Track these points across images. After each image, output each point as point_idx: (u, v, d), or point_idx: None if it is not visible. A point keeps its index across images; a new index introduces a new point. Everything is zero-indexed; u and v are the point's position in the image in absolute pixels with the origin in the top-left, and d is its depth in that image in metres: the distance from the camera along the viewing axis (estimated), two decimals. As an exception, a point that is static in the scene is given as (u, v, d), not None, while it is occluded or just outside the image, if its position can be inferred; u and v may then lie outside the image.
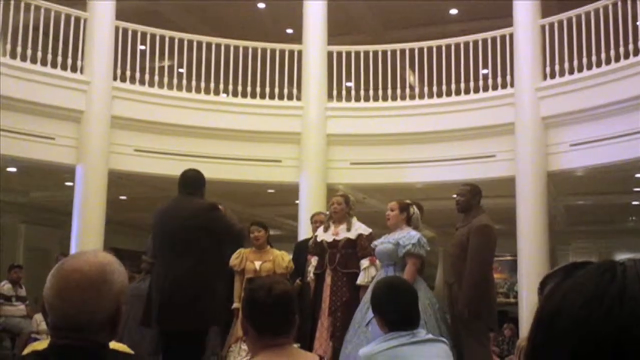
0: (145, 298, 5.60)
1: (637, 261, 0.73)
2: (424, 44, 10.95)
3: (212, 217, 5.30)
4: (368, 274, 6.06)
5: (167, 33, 10.80)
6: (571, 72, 9.65)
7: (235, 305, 6.58)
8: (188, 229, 5.22)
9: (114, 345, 1.86)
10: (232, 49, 10.95)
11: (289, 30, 13.20)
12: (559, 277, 0.77)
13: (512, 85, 10.09)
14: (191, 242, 5.20)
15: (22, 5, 9.63)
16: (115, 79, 10.23)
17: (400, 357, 3.21)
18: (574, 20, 9.69)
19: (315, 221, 7.38)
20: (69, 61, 9.86)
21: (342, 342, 5.68)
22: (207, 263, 5.22)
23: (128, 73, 10.40)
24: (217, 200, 5.77)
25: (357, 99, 11.03)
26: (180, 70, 10.98)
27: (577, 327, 0.69)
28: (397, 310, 3.33)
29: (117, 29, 10.32)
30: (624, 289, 0.69)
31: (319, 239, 6.45)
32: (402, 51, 11.07)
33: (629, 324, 0.67)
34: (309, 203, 10.19)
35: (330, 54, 11.09)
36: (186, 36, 10.92)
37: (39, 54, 9.62)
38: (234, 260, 6.71)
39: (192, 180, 5.57)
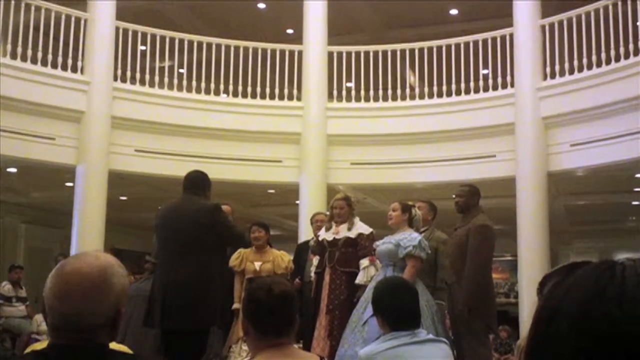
0: (148, 298, 5.61)
1: (636, 260, 0.73)
2: (425, 44, 10.95)
3: (215, 218, 5.31)
4: (367, 273, 6.05)
5: (168, 33, 10.81)
6: (571, 72, 9.65)
7: (236, 305, 6.58)
8: (190, 229, 5.23)
9: (113, 346, 1.86)
10: (232, 49, 10.95)
11: (289, 31, 13.20)
12: (558, 277, 0.77)
13: (512, 85, 10.09)
14: (193, 242, 5.21)
15: (23, 5, 9.64)
16: (115, 79, 10.23)
17: (401, 357, 3.21)
18: (574, 20, 9.70)
19: (316, 221, 7.38)
20: (70, 61, 9.87)
21: (339, 341, 5.67)
22: (208, 263, 5.23)
23: (128, 73, 10.40)
24: (220, 201, 5.77)
25: (358, 99, 11.03)
26: (181, 70, 10.99)
27: (576, 327, 0.69)
28: (398, 310, 3.33)
29: (117, 29, 10.32)
30: (623, 289, 0.69)
31: (320, 238, 6.46)
32: (403, 51, 11.07)
33: (629, 324, 0.67)
34: (309, 203, 10.19)
35: (330, 54, 11.10)
36: (186, 36, 10.93)
37: (40, 54, 9.63)
38: (234, 260, 6.71)
39: (196, 181, 5.58)
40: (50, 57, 9.74)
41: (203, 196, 5.51)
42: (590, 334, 0.68)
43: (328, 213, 6.81)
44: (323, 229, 6.55)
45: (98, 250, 1.93)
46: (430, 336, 3.48)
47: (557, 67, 9.75)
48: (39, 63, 9.63)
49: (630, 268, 0.71)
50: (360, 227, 6.32)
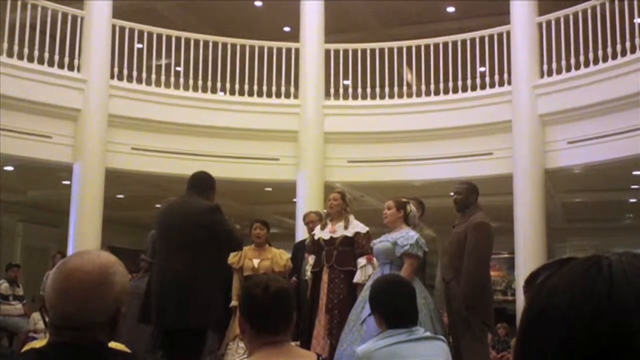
0: (144, 295, 5.62)
1: (622, 255, 0.73)
2: (422, 41, 10.94)
3: (214, 219, 5.32)
4: (365, 272, 6.05)
5: (164, 31, 10.80)
6: (568, 69, 9.66)
7: (233, 303, 6.58)
8: (189, 228, 5.24)
9: (111, 344, 1.86)
10: (229, 47, 10.94)
11: (286, 28, 13.19)
12: (545, 275, 0.77)
13: (509, 83, 10.09)
14: (191, 241, 5.22)
15: (19, 3, 9.62)
16: (112, 77, 10.21)
17: (398, 355, 3.21)
18: (570, 17, 9.70)
19: (308, 222, 7.38)
20: (66, 59, 9.85)
21: (339, 340, 5.68)
22: (205, 262, 5.23)
23: (125, 71, 10.39)
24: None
25: (355, 97, 11.03)
26: (178, 68, 10.97)
27: (566, 324, 0.69)
28: (395, 307, 3.33)
29: (113, 27, 10.30)
30: (611, 285, 0.69)
31: (316, 237, 6.45)
32: (400, 49, 11.06)
33: (618, 319, 0.67)
34: (307, 201, 10.19)
35: (327, 52, 11.09)
36: (183, 34, 10.91)
37: (36, 52, 9.61)
38: (232, 258, 6.72)
39: (200, 181, 5.60)
40: (46, 55, 9.72)
41: (205, 197, 5.52)
42: (580, 331, 0.68)
43: (324, 212, 6.82)
44: (318, 228, 6.55)
45: (100, 250, 1.94)
46: (428, 334, 3.48)
47: (554, 65, 9.75)
48: (35, 61, 9.61)
49: (616, 263, 0.72)
50: (357, 226, 6.32)
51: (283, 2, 12.09)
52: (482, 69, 10.55)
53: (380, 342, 3.25)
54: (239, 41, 11.04)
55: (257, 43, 11.13)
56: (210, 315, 5.30)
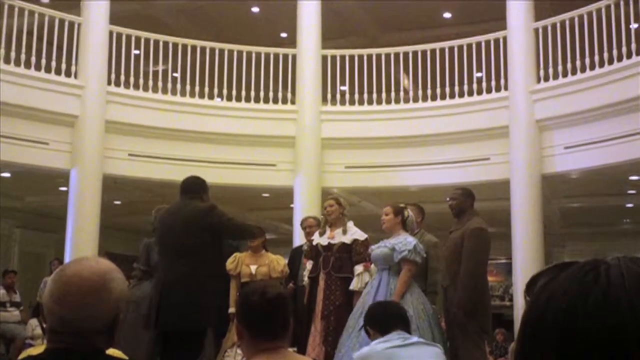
0: (148, 301, 5.62)
1: (620, 259, 0.73)
2: (418, 47, 10.96)
3: (213, 216, 5.33)
4: (361, 279, 6.05)
5: (161, 37, 10.80)
6: (565, 75, 9.68)
7: (231, 309, 6.57)
8: (187, 231, 5.26)
9: (109, 351, 1.86)
10: (226, 53, 10.95)
11: (283, 34, 13.21)
12: (545, 279, 0.77)
13: (506, 88, 10.11)
14: (189, 244, 5.23)
15: (16, 9, 9.63)
16: (109, 83, 10.22)
17: (396, 358, 3.22)
18: (567, 23, 9.73)
19: (306, 227, 7.37)
20: (63, 66, 9.86)
21: (334, 347, 5.68)
22: (204, 265, 5.24)
23: (122, 77, 10.39)
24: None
25: (352, 103, 11.04)
26: (175, 74, 10.98)
27: (563, 329, 0.69)
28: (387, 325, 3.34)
29: (111, 33, 10.31)
30: (608, 290, 0.69)
31: (314, 243, 6.45)
32: (397, 55, 11.08)
33: (614, 324, 0.67)
34: (304, 207, 10.19)
35: (324, 58, 11.10)
36: (180, 40, 10.93)
37: (33, 58, 9.61)
38: (229, 264, 6.71)
39: (192, 185, 5.61)
40: (44, 61, 9.71)
41: (200, 199, 5.53)
42: (576, 336, 0.68)
43: (321, 217, 6.82)
44: (317, 234, 6.55)
45: (98, 257, 1.95)
46: (423, 340, 3.49)
47: (550, 70, 9.78)
48: (32, 67, 9.61)
49: (614, 268, 0.72)
50: (355, 233, 6.32)
51: (280, 8, 12.11)
52: (479, 74, 10.57)
53: (378, 346, 3.27)
54: (236, 47, 11.05)
55: (254, 49, 11.15)
56: (208, 316, 5.30)
